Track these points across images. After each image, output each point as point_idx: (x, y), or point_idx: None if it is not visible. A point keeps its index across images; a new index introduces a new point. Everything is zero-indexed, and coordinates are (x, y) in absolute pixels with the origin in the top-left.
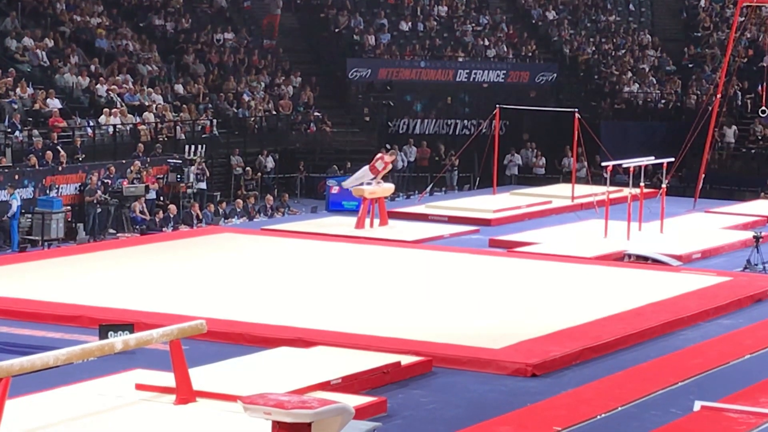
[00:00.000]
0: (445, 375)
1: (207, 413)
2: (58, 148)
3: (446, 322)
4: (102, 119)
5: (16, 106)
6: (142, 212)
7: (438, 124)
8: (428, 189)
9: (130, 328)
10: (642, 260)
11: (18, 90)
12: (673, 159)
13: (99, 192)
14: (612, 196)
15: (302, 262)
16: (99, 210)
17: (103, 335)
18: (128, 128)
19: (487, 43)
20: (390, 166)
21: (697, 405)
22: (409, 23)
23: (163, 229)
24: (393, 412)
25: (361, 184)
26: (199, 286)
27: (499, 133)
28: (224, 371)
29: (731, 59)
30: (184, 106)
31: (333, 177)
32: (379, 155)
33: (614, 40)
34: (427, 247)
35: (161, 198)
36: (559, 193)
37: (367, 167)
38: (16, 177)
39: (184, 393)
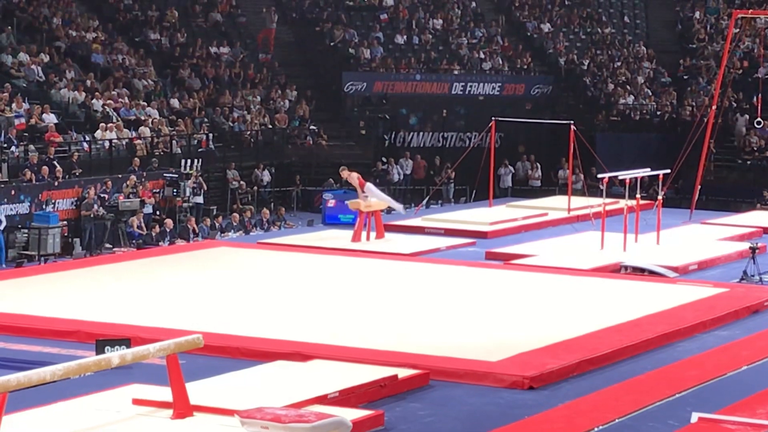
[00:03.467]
0: (442, 388)
1: (204, 427)
2: (55, 163)
3: (443, 335)
4: (98, 134)
5: (22, 119)
6: (138, 227)
7: (434, 137)
8: (424, 202)
9: (126, 342)
10: (638, 272)
11: (14, 105)
12: (669, 170)
13: (95, 207)
14: (608, 207)
15: (299, 276)
16: (95, 224)
17: (99, 350)
18: (124, 143)
19: (482, 55)
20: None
21: (695, 417)
22: (405, 36)
23: (160, 243)
24: (390, 426)
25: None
26: (196, 300)
27: (495, 146)
28: (221, 385)
29: (726, 71)
30: (180, 120)
31: (329, 190)
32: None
33: (609, 52)
34: (423, 260)
35: (157, 212)
36: (556, 205)
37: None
38: (12, 192)
39: (182, 407)
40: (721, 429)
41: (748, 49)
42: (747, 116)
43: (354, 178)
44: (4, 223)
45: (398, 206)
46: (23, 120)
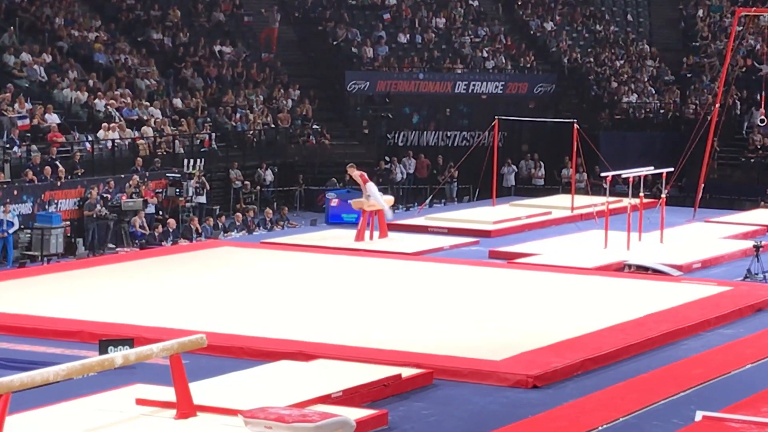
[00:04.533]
0: (446, 387)
1: (208, 427)
2: (57, 163)
3: (447, 334)
4: (100, 134)
5: (26, 120)
6: (141, 227)
7: (437, 136)
8: (428, 201)
9: (130, 342)
10: (642, 270)
11: (16, 105)
12: (672, 169)
13: (98, 207)
14: (612, 206)
15: (302, 276)
16: (98, 225)
17: (103, 350)
18: (127, 143)
19: (485, 54)
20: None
21: (699, 415)
22: (407, 35)
23: (163, 243)
24: (394, 425)
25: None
26: (199, 300)
27: (498, 145)
28: (225, 385)
29: (730, 68)
30: (183, 119)
31: (332, 190)
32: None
33: (613, 51)
34: (427, 259)
35: (160, 212)
36: (559, 204)
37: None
38: (15, 192)
39: (185, 407)
40: (725, 427)
41: (751, 46)
42: (762, 108)
43: (356, 175)
44: (16, 226)
45: (389, 213)
46: (26, 121)
